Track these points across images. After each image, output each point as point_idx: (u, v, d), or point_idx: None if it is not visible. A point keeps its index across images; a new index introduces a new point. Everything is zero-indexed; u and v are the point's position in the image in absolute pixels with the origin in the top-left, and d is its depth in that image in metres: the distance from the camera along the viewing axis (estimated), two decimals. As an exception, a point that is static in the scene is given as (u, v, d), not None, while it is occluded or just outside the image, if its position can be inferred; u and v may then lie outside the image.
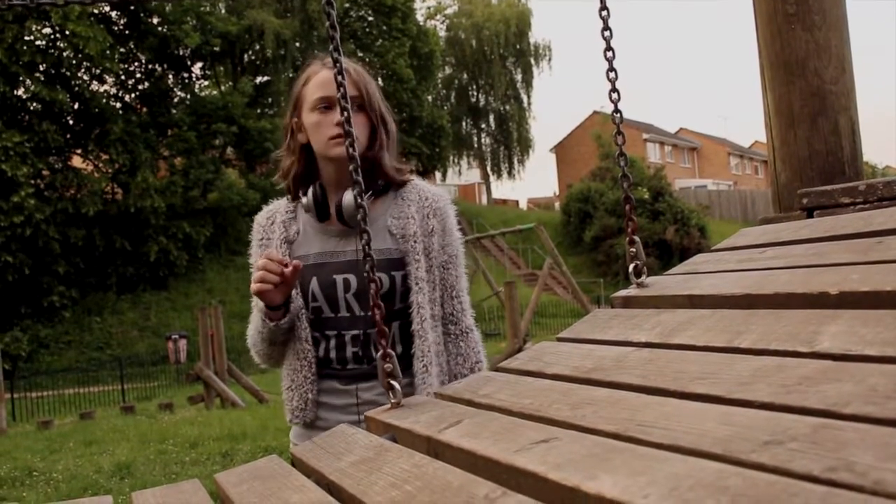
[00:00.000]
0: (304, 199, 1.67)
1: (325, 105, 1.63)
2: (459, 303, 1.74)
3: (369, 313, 1.64)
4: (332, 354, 1.67)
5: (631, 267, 1.54)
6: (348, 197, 1.61)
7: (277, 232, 1.71)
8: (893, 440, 0.65)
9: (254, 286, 1.51)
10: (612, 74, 1.53)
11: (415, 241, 1.66)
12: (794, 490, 0.61)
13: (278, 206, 1.77)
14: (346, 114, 1.26)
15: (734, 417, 0.80)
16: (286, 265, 1.51)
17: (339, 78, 1.27)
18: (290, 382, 1.69)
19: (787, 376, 0.87)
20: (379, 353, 1.35)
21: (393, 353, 1.36)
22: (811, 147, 2.01)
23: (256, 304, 1.62)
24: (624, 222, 1.56)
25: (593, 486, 0.72)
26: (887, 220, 1.38)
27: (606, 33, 1.52)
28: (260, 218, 1.78)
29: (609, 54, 1.53)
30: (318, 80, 1.66)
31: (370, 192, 1.64)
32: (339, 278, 1.64)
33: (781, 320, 1.05)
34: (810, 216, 1.86)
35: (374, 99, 1.67)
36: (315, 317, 1.67)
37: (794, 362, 0.91)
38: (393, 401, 1.33)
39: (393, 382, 1.33)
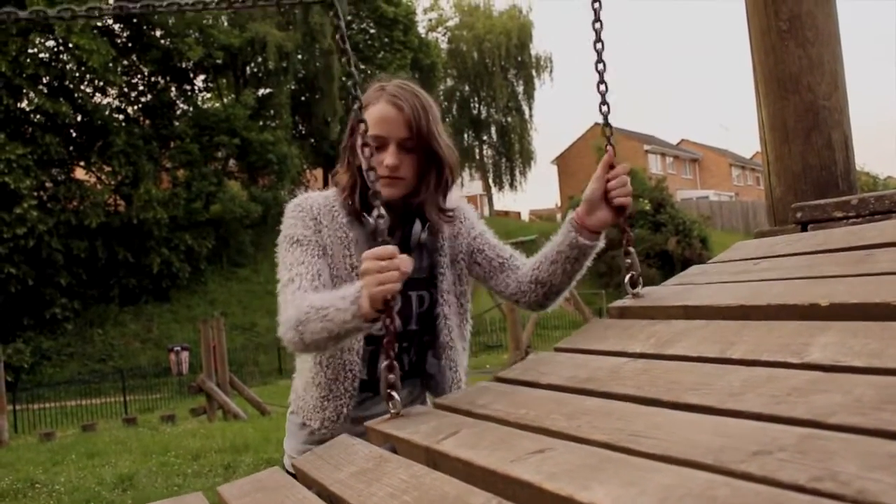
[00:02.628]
0: (371, 221, 1.53)
1: (378, 144, 1.55)
2: (504, 249, 1.74)
3: (408, 328, 1.64)
4: (364, 366, 1.65)
5: (627, 278, 1.56)
6: (416, 230, 1.61)
7: (344, 231, 1.62)
8: (877, 450, 0.67)
9: (384, 287, 1.30)
10: (602, 87, 1.57)
11: (442, 255, 1.67)
12: (780, 500, 0.63)
13: (332, 200, 1.65)
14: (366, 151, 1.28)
15: (725, 428, 0.82)
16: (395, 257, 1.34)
17: (355, 97, 1.28)
18: (326, 392, 1.62)
19: (777, 387, 0.89)
20: (384, 364, 1.37)
21: (397, 365, 1.38)
22: (805, 161, 2.03)
23: (338, 295, 1.41)
24: (620, 233, 1.58)
25: (587, 496, 0.73)
26: (878, 234, 1.40)
27: (598, 45, 1.55)
28: (314, 201, 1.64)
29: (600, 66, 1.56)
30: (376, 113, 1.57)
31: (425, 223, 1.63)
32: None
33: (773, 331, 1.07)
34: (804, 230, 1.87)
35: (428, 138, 1.57)
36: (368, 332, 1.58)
37: (784, 373, 0.93)
38: (392, 411, 1.35)
39: (393, 393, 1.35)
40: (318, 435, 1.64)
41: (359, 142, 1.43)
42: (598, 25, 1.56)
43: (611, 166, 1.55)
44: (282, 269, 1.60)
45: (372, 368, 1.64)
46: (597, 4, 1.56)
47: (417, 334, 1.68)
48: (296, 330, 1.45)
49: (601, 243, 1.58)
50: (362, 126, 1.43)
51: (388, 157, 1.54)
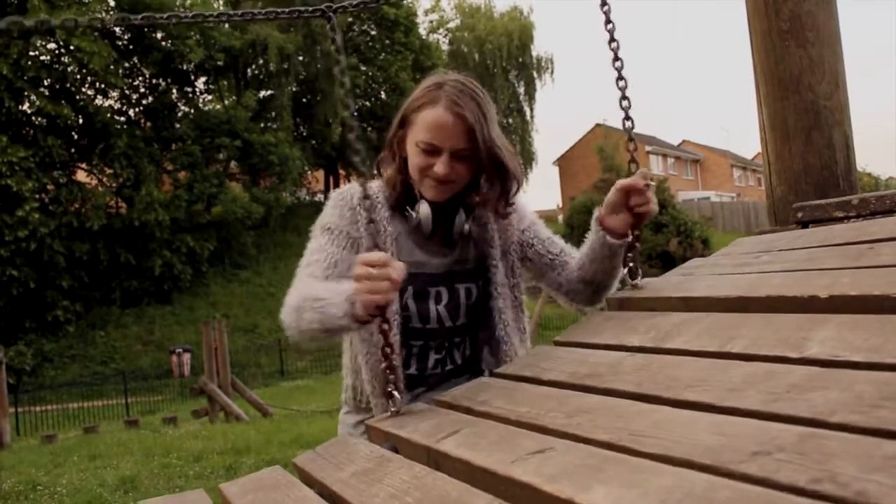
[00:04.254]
0: (415, 216, 1.56)
1: (431, 150, 1.51)
2: (554, 244, 1.72)
3: (457, 323, 1.64)
4: (413, 362, 1.64)
5: (626, 269, 1.56)
6: (460, 221, 1.59)
7: (382, 224, 1.58)
8: (876, 451, 0.66)
9: (376, 297, 1.28)
10: (621, 83, 1.54)
11: (492, 247, 1.65)
12: (779, 502, 0.63)
13: (376, 192, 1.61)
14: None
15: (724, 426, 0.82)
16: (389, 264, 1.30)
17: (347, 104, 1.29)
18: (373, 374, 1.59)
19: (776, 383, 0.88)
20: (383, 365, 1.38)
21: (396, 365, 1.39)
22: (806, 161, 2.03)
23: (338, 290, 1.38)
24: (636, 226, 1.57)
25: (587, 497, 0.73)
26: (880, 229, 1.40)
27: (613, 45, 1.53)
28: (357, 191, 1.58)
29: (617, 64, 1.53)
30: (429, 119, 1.51)
31: (469, 214, 1.62)
32: (431, 290, 1.62)
33: (772, 324, 1.07)
34: (805, 229, 1.87)
35: (490, 146, 1.52)
36: (403, 325, 1.59)
37: (783, 368, 0.92)
38: (393, 409, 1.35)
39: (393, 392, 1.36)
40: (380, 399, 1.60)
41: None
42: (610, 27, 1.54)
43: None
44: (305, 254, 1.59)
45: (421, 364, 1.64)
46: (606, 7, 1.53)
47: (469, 328, 1.67)
48: (293, 314, 1.44)
49: (628, 239, 1.56)
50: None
51: (440, 166, 1.51)
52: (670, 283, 1.52)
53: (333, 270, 1.53)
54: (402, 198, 1.60)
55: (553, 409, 1.05)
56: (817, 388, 0.83)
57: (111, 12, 22.02)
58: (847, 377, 0.84)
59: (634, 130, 1.55)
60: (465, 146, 1.50)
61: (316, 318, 1.38)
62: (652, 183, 1.50)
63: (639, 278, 1.56)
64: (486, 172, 1.57)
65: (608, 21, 1.52)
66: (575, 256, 1.67)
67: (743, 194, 48.43)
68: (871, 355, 0.87)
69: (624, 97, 1.53)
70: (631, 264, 1.55)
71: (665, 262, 26.82)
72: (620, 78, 1.53)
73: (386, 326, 1.37)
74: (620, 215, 1.52)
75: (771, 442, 0.74)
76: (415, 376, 1.64)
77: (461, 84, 1.53)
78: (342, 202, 1.60)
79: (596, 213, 1.56)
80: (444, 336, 1.63)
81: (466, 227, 1.61)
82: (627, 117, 1.53)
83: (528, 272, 1.72)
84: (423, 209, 1.56)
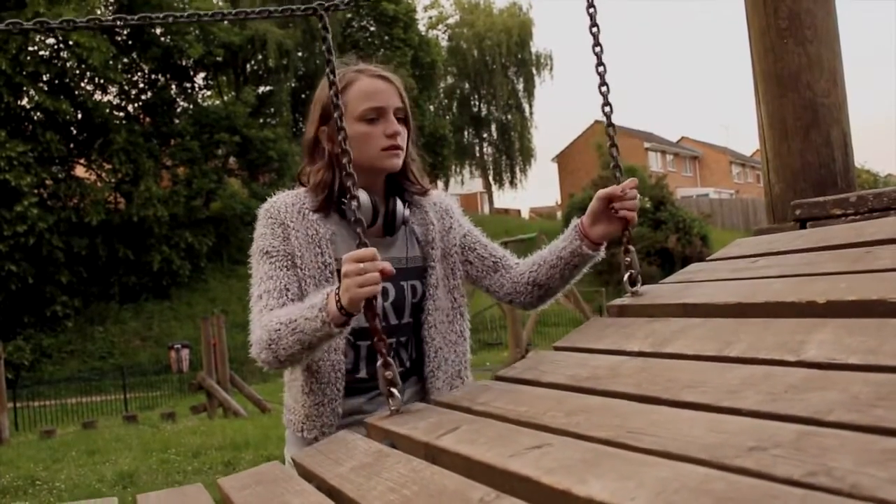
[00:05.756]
0: (354, 205, 1.51)
1: (374, 116, 1.57)
2: (496, 248, 1.75)
3: (402, 321, 1.64)
4: (362, 365, 1.63)
5: (626, 276, 1.57)
6: (400, 206, 1.61)
7: (315, 228, 1.58)
8: (872, 446, 0.67)
9: (365, 290, 1.30)
10: (604, 88, 1.57)
11: (433, 247, 1.67)
12: (774, 493, 0.64)
13: (301, 199, 1.63)
14: (341, 132, 1.29)
15: (722, 425, 0.83)
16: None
17: (336, 105, 1.29)
18: (321, 397, 1.58)
19: (773, 385, 0.89)
20: (379, 363, 1.38)
21: (393, 363, 1.39)
22: (804, 159, 2.03)
23: (305, 306, 1.42)
24: (621, 232, 1.59)
25: (584, 489, 0.74)
26: (877, 230, 1.40)
27: (597, 49, 1.55)
28: (282, 204, 1.61)
29: (597, 49, 1.56)
30: (363, 89, 1.58)
31: (406, 202, 1.65)
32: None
33: (770, 329, 1.08)
34: (803, 227, 1.88)
35: (409, 109, 1.65)
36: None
37: (781, 371, 0.93)
38: (392, 408, 1.35)
39: (393, 390, 1.36)
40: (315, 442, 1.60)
41: (339, 135, 1.43)
42: (595, 30, 1.56)
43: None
44: (253, 283, 1.61)
45: (371, 367, 1.61)
46: (592, 10, 1.55)
47: (413, 328, 1.67)
48: (269, 349, 1.46)
49: (601, 254, 1.61)
50: (337, 112, 1.44)
51: (392, 126, 1.57)
52: (669, 290, 1.53)
53: (287, 295, 1.54)
54: (335, 195, 1.61)
55: (552, 408, 1.06)
56: (815, 388, 0.84)
57: (109, 9, 22.02)
58: (844, 378, 0.85)
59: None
60: (401, 104, 1.60)
61: (295, 340, 1.41)
62: (636, 192, 1.53)
63: (638, 285, 1.57)
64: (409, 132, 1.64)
65: (590, 5, 1.55)
66: (519, 262, 1.71)
67: (742, 191, 48.46)
68: (868, 357, 0.88)
69: (603, 83, 1.56)
70: (631, 271, 1.56)
71: (664, 258, 26.87)
72: (600, 63, 1.56)
73: (375, 322, 1.37)
74: (601, 225, 1.56)
75: (768, 439, 0.74)
76: (365, 380, 1.63)
77: (372, 65, 1.66)
78: (270, 220, 1.61)
79: (575, 221, 1.60)
80: (390, 335, 1.60)
81: (406, 212, 1.63)
82: (606, 103, 1.57)
83: (468, 276, 1.73)
84: (362, 196, 1.56)
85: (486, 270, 1.71)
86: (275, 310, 1.51)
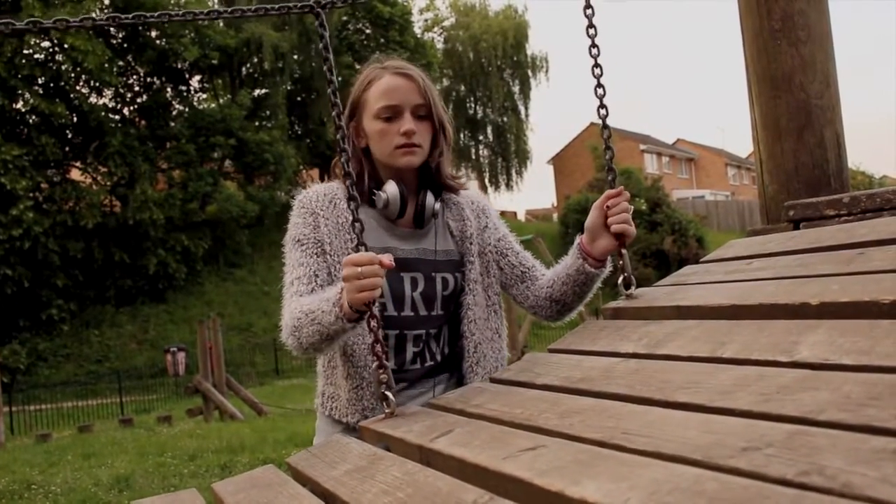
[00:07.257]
0: (383, 196, 1.60)
1: (390, 115, 1.59)
2: (527, 258, 1.76)
3: (432, 313, 1.64)
4: (390, 354, 1.64)
5: (620, 279, 1.58)
6: (430, 199, 1.64)
7: (345, 216, 1.61)
8: (864, 445, 0.68)
9: (363, 294, 1.33)
10: (600, 91, 1.57)
11: (470, 243, 1.69)
12: (766, 493, 0.64)
13: (333, 190, 1.66)
14: (341, 134, 1.29)
15: (714, 425, 0.83)
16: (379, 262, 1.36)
17: (334, 103, 1.30)
18: (359, 381, 1.60)
19: (766, 385, 0.90)
20: (375, 364, 1.38)
21: (388, 365, 1.39)
22: (797, 160, 2.04)
23: (324, 298, 1.44)
24: (619, 248, 1.59)
25: (577, 490, 0.74)
26: (869, 231, 1.41)
27: (594, 51, 1.56)
28: (314, 194, 1.65)
29: (597, 71, 1.57)
30: (381, 86, 1.61)
31: (437, 197, 1.67)
32: (406, 276, 1.63)
33: (764, 331, 1.08)
34: (797, 228, 1.89)
35: (437, 106, 1.64)
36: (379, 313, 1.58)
37: (773, 371, 0.94)
38: (387, 410, 1.36)
39: (387, 393, 1.36)
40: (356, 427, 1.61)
41: (342, 132, 1.45)
42: (591, 31, 1.56)
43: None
44: (286, 271, 1.63)
45: (399, 358, 1.64)
46: (589, 11, 1.56)
47: (444, 322, 1.68)
48: (293, 336, 1.50)
49: (607, 270, 1.62)
50: (340, 113, 1.47)
51: (406, 124, 1.58)
52: (663, 293, 1.54)
53: (316, 281, 1.57)
54: (366, 186, 1.64)
55: (546, 410, 1.06)
56: (807, 389, 0.85)
57: (104, 11, 21.99)
58: (836, 379, 0.85)
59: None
60: (421, 102, 1.60)
61: (314, 331, 1.44)
62: (625, 203, 1.54)
63: (633, 288, 1.57)
64: (434, 129, 1.65)
65: (588, 6, 1.56)
66: (545, 274, 1.72)
67: (737, 193, 48.57)
68: (860, 358, 0.88)
69: (599, 85, 1.57)
70: (625, 274, 1.57)
71: (660, 260, 26.91)
72: (596, 66, 1.57)
73: (374, 324, 1.38)
74: (601, 241, 1.58)
75: (760, 439, 0.75)
76: (393, 371, 1.61)
77: (399, 60, 1.67)
78: (302, 209, 1.65)
79: (578, 239, 1.62)
80: (419, 325, 1.63)
81: (437, 206, 1.65)
82: (602, 105, 1.58)
83: (498, 281, 1.75)
84: (391, 187, 1.60)
85: (514, 279, 1.73)
86: (304, 296, 1.55)
